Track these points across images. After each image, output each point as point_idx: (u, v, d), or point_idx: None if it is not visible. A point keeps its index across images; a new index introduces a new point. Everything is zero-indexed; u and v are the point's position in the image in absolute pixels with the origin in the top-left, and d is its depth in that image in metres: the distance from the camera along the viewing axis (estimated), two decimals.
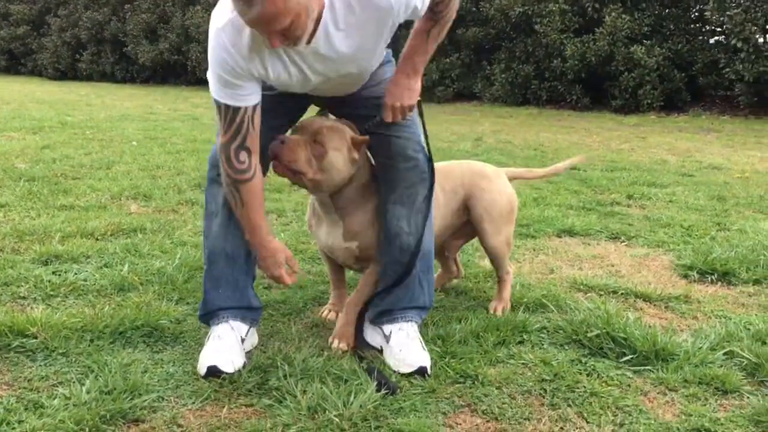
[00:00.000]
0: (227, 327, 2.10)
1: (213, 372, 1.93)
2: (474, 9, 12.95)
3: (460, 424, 1.76)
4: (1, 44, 23.95)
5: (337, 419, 1.71)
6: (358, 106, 2.14)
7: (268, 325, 2.36)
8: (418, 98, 2.07)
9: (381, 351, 2.15)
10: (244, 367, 1.99)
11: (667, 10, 11.44)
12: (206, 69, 1.97)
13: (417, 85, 2.05)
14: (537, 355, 2.13)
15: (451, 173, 2.50)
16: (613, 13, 10.99)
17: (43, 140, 6.56)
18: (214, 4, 1.99)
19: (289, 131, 2.16)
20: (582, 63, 11.25)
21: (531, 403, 1.86)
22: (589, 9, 11.43)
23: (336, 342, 2.17)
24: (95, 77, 20.63)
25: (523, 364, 2.08)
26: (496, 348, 2.17)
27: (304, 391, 1.84)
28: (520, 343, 2.23)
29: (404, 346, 2.08)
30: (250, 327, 2.16)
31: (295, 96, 2.08)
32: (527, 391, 1.92)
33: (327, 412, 1.74)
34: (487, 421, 1.77)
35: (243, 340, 2.11)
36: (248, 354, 2.09)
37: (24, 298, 2.46)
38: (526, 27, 12.20)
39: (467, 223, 2.54)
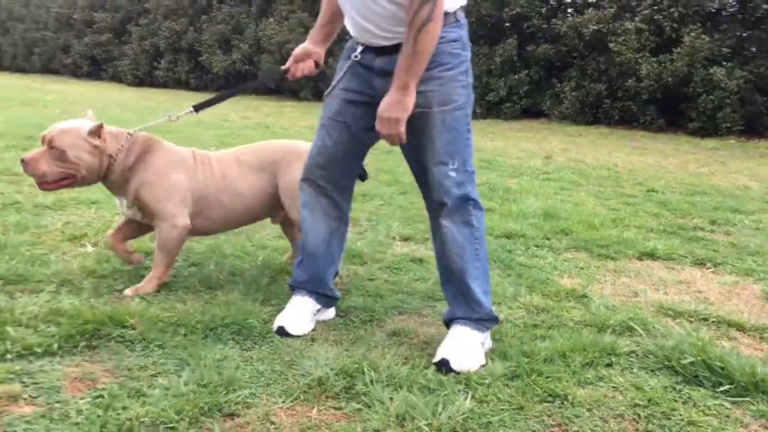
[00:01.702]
0: (303, 300, 2.40)
1: (281, 332, 2.28)
2: (545, 26, 12.85)
3: None
4: (84, 50, 25.15)
5: (426, 428, 1.71)
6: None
7: (350, 330, 2.38)
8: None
9: None
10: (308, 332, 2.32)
11: (749, 32, 11.07)
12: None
13: (408, 100, 2.06)
14: (628, 378, 2.07)
15: (263, 147, 2.83)
16: (692, 33, 10.70)
17: None
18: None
19: None
20: (658, 83, 10.98)
21: (625, 428, 1.81)
22: (667, 28, 11.18)
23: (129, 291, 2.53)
24: (170, 84, 21.40)
25: (613, 387, 2.03)
26: (584, 369, 2.12)
27: (391, 399, 1.85)
28: (609, 365, 2.17)
29: (445, 341, 2.18)
30: (324, 307, 2.45)
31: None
32: (620, 415, 1.87)
33: (416, 420, 1.74)
34: None
35: (315, 313, 2.40)
36: (322, 321, 2.42)
37: (120, 291, 2.56)
38: (600, 45, 12.01)
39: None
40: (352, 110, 2.29)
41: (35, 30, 28.40)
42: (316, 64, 2.52)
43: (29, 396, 1.75)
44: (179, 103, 13.99)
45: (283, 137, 8.33)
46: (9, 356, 1.93)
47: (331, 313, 2.50)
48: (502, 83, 13.05)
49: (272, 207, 2.82)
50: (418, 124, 2.14)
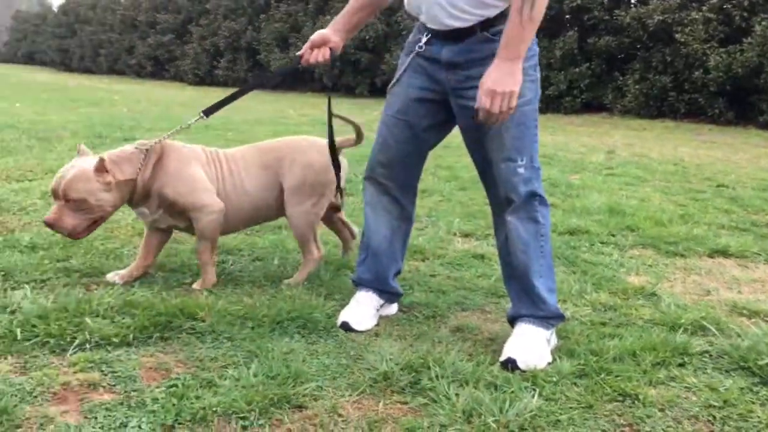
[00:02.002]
0: (367, 295, 2.41)
1: (345, 327, 2.30)
2: (607, 17, 12.52)
3: None
4: (148, 51, 25.96)
5: (494, 425, 1.70)
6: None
7: (413, 326, 2.38)
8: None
9: None
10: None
11: None
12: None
13: (519, 73, 1.97)
14: (701, 379, 2.00)
15: (272, 145, 2.79)
16: (764, 23, 10.24)
17: (190, 140, 7.01)
18: None
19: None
20: (727, 75, 10.56)
21: (699, 429, 1.75)
22: (737, 18, 10.73)
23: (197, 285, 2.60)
24: (230, 83, 21.85)
25: (686, 387, 1.96)
26: (656, 368, 2.06)
27: (457, 394, 1.85)
28: (681, 365, 2.11)
29: (511, 339, 2.15)
30: (387, 302, 2.46)
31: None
32: (694, 417, 1.81)
33: (483, 416, 1.73)
34: None
35: (378, 309, 2.41)
36: (385, 317, 2.43)
37: (188, 284, 2.63)
38: (665, 36, 11.62)
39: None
40: (415, 108, 2.26)
41: (102, 32, 29.48)
42: (332, 54, 2.37)
43: (108, 384, 1.82)
44: (239, 100, 14.26)
45: (339, 133, 8.40)
46: (88, 346, 2.01)
47: (393, 308, 2.51)
48: (563, 77, 12.79)
49: (280, 206, 2.75)
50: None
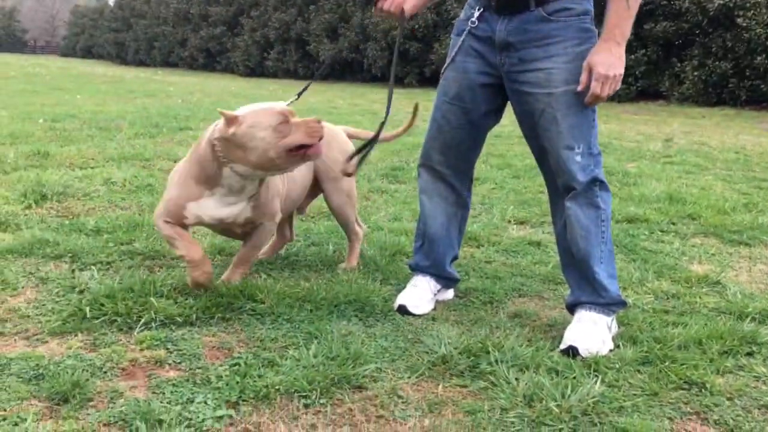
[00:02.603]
0: (424, 279, 2.40)
1: (402, 310, 2.29)
2: (665, 2, 12.14)
3: None
4: (200, 43, 26.46)
5: (556, 410, 1.68)
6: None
7: (470, 311, 2.37)
8: None
9: None
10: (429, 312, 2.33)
11: None
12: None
13: (624, 55, 1.98)
14: None
15: None
16: None
17: None
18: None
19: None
20: None
21: None
22: None
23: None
24: (280, 74, 22.11)
25: (755, 377, 1.90)
26: (723, 357, 2.00)
27: (517, 379, 1.83)
28: (749, 354, 2.04)
29: (571, 326, 2.11)
30: (444, 287, 2.44)
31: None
32: (764, 406, 1.75)
33: (544, 401, 1.71)
34: None
35: (435, 293, 2.39)
36: (441, 302, 2.41)
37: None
38: (726, 20, 11.22)
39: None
40: (471, 93, 2.21)
41: (156, 25, 30.18)
42: (403, 13, 2.25)
43: (173, 361, 1.87)
44: (288, 91, 14.43)
45: (391, 123, 8.39)
46: (153, 324, 2.07)
47: (450, 293, 2.50)
48: None
49: (312, 192, 2.73)
50: (539, 105, 2.08)
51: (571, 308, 2.21)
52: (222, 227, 2.41)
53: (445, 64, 2.27)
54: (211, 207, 2.28)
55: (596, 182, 2.12)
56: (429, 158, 2.35)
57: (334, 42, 19.61)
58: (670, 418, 1.70)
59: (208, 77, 21.81)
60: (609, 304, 2.14)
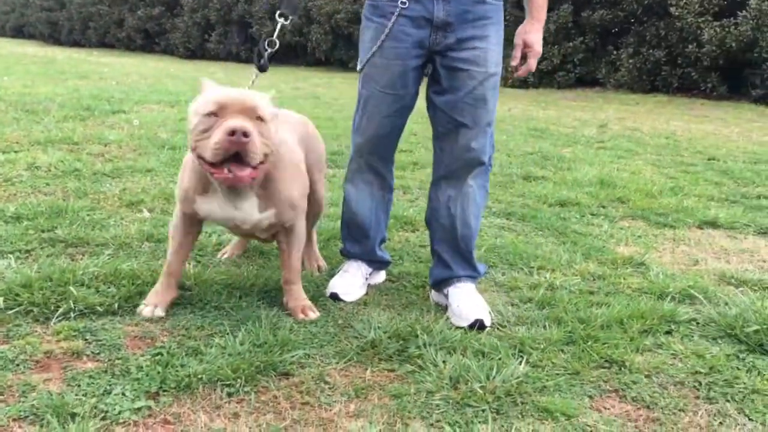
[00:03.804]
0: (356, 264, 2.41)
1: (334, 297, 2.28)
2: None
3: (609, 409, 1.69)
4: (138, 24, 25.57)
5: (480, 391, 1.70)
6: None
7: (402, 295, 2.38)
8: None
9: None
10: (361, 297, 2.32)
11: None
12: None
13: None
14: (688, 346, 2.01)
15: (291, 124, 2.28)
16: None
17: (181, 113, 6.94)
18: None
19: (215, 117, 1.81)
20: (721, 49, 10.51)
21: (685, 394, 1.76)
22: None
23: (302, 315, 2.10)
24: (221, 56, 21.60)
25: (672, 354, 1.97)
26: (642, 336, 2.07)
27: (444, 362, 1.84)
28: (668, 333, 2.11)
29: (461, 301, 2.17)
30: (375, 270, 2.46)
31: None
32: (680, 383, 1.82)
33: (470, 383, 1.73)
34: (638, 409, 1.69)
35: (366, 278, 2.40)
36: (374, 286, 2.42)
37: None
38: (660, 9, 11.54)
39: None
40: (404, 79, 2.16)
41: (91, 4, 29.01)
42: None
43: (92, 352, 1.80)
44: (231, 74, 14.14)
45: (333, 107, 8.33)
46: (72, 314, 1.99)
47: (382, 276, 2.50)
48: (556, 51, 12.70)
49: None
50: (472, 82, 2.11)
51: (444, 281, 2.28)
52: (242, 232, 2.16)
53: (371, 51, 2.16)
54: (221, 204, 1.98)
55: (491, 162, 2.28)
56: (360, 150, 2.30)
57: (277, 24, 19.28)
58: (590, 396, 1.74)
59: (147, 59, 21.13)
60: (477, 278, 2.34)
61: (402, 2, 2.10)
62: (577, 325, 2.10)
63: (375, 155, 2.30)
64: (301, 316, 2.09)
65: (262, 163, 1.82)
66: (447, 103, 2.15)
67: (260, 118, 1.82)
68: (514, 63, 2.18)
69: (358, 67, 2.23)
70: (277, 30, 2.16)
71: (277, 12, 2.20)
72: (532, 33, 2.15)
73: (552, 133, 6.74)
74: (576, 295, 2.39)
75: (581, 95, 11.92)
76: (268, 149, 1.84)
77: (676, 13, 11.04)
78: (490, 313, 2.16)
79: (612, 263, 2.76)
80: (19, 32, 37.38)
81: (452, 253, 2.28)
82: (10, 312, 1.96)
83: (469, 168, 2.20)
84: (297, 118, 2.43)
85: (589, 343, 1.99)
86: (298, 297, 2.14)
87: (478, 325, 2.08)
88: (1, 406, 1.52)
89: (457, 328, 2.07)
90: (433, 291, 2.35)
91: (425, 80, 2.24)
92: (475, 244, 2.34)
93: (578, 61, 12.75)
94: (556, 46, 12.78)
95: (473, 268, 2.31)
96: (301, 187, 2.09)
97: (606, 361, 1.91)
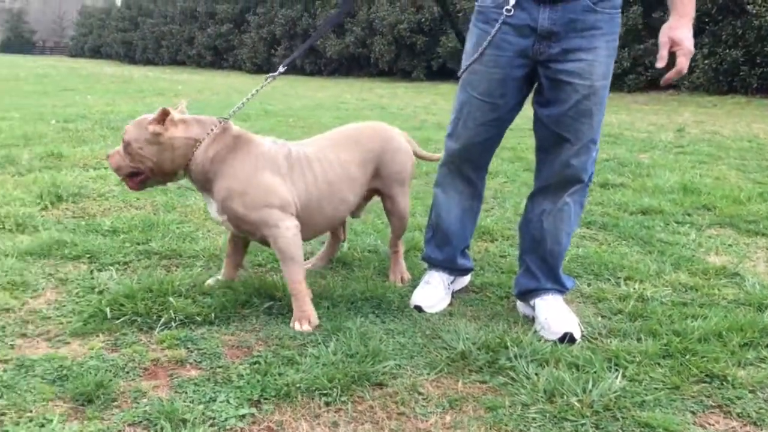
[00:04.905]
0: (437, 274, 2.41)
1: (417, 308, 2.30)
2: None
3: (713, 425, 1.64)
4: (207, 41, 26.48)
5: (578, 405, 1.68)
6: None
7: (486, 306, 2.37)
8: None
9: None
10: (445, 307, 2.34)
11: None
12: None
13: None
14: None
15: (361, 138, 2.41)
16: None
17: (253, 127, 7.14)
18: None
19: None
20: None
21: None
22: None
23: (298, 325, 2.10)
24: (287, 70, 22.10)
25: None
26: (743, 349, 1.99)
27: (537, 374, 1.83)
28: None
29: (549, 314, 2.14)
30: (458, 277, 2.46)
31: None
32: None
33: (565, 396, 1.71)
34: (745, 425, 1.64)
35: (449, 285, 2.41)
36: (458, 296, 2.44)
37: (261, 265, 2.69)
38: (736, 8, 11.11)
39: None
40: (502, 89, 2.11)
41: (163, 24, 30.22)
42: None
43: (194, 361, 1.88)
44: (295, 87, 14.43)
45: (400, 117, 8.38)
46: (173, 324, 2.08)
47: (466, 279, 2.53)
48: (626, 54, 12.40)
49: (363, 199, 2.53)
50: (576, 96, 2.04)
51: (530, 292, 2.26)
52: (234, 233, 2.31)
53: (472, 57, 2.12)
54: (209, 206, 2.25)
55: (590, 180, 2.22)
56: (452, 156, 2.30)
57: (341, 37, 19.57)
58: (692, 412, 1.69)
59: (216, 75, 21.83)
60: (564, 292, 2.31)
61: (507, 10, 2.03)
62: (672, 337, 2.04)
63: (468, 163, 2.29)
64: (297, 326, 2.10)
65: (136, 174, 2.21)
66: (549, 116, 2.10)
67: (123, 141, 2.20)
68: (660, 64, 1.94)
69: (459, 73, 2.21)
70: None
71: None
72: (680, 29, 1.93)
73: (627, 139, 6.58)
74: (669, 307, 2.32)
75: (654, 98, 11.58)
76: (137, 163, 2.18)
77: (754, 11, 10.61)
78: (579, 325, 2.13)
79: (704, 273, 2.67)
80: (97, 52, 39.30)
81: (539, 263, 2.26)
82: (116, 322, 2.06)
83: (566, 184, 2.15)
84: (370, 134, 2.43)
85: (687, 357, 1.93)
86: (297, 308, 2.14)
87: (567, 338, 2.05)
88: (116, 411, 1.61)
89: (546, 340, 2.05)
90: (519, 301, 2.33)
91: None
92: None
93: (650, 63, 12.39)
94: (626, 49, 12.48)
95: (561, 283, 2.27)
96: (250, 201, 2.13)
97: (706, 375, 1.85)
